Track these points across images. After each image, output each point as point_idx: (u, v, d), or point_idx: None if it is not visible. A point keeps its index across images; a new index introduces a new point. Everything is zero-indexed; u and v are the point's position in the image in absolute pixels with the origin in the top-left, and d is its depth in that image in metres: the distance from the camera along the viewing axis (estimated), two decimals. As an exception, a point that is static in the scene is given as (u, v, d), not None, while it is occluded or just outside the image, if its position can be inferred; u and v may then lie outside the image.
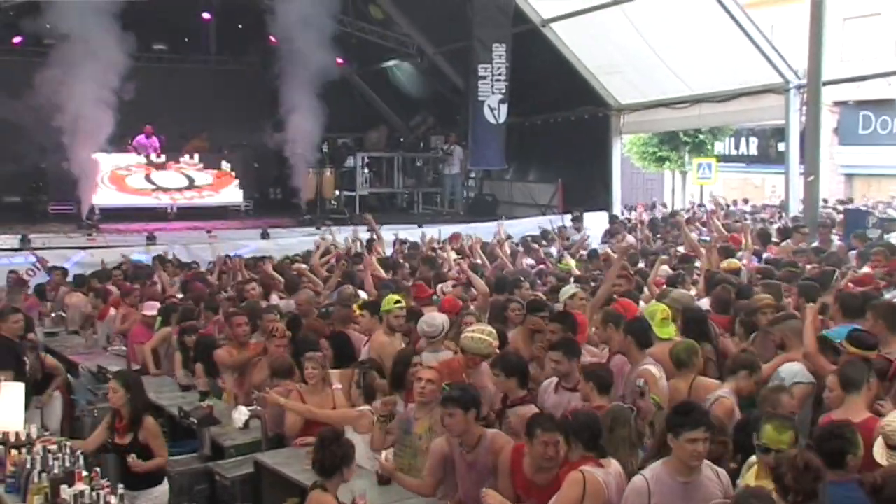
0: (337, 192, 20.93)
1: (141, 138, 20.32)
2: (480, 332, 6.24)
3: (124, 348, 9.73)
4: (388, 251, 13.44)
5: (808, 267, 8.89)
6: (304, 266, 11.57)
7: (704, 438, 4.21)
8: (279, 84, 18.33)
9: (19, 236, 15.66)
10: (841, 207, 17.79)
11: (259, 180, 21.29)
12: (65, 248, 15.34)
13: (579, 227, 15.89)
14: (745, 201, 22.72)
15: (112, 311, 10.60)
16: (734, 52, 15.40)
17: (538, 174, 21.37)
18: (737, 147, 27.03)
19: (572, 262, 10.84)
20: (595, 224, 16.55)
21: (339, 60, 22.40)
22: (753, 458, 4.42)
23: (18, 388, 6.02)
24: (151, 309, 9.50)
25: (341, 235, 15.03)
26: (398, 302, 7.44)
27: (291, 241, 16.06)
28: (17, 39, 19.73)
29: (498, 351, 6.16)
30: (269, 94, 18.54)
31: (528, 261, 11.88)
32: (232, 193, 20.68)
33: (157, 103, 20.64)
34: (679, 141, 22.78)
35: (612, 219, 17.14)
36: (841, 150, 24.55)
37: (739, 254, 10.06)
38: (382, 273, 10.32)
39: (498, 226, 14.52)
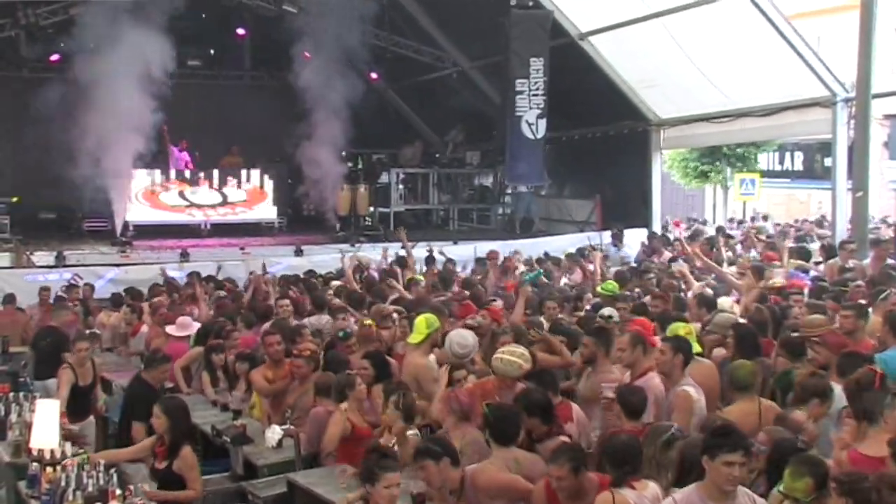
0: (371, 209, 21.05)
1: (174, 149, 20.58)
2: (511, 354, 6.22)
3: None
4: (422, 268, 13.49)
5: (852, 285, 8.79)
6: (337, 282, 11.59)
7: (742, 462, 4.13)
8: (313, 99, 18.56)
9: (55, 253, 15.91)
10: (889, 223, 17.48)
11: (293, 196, 21.51)
12: (99, 264, 15.56)
13: (619, 245, 15.81)
14: (765, 218, 22.29)
15: (144, 327, 10.68)
16: (778, 65, 15.19)
17: (576, 190, 21.42)
18: (781, 162, 26.78)
19: (615, 285, 10.56)
20: (634, 241, 16.51)
21: (374, 75, 22.85)
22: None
23: (53, 407, 6.11)
24: (181, 329, 9.53)
25: (376, 252, 15.37)
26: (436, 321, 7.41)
27: (325, 257, 16.15)
28: (54, 57, 20.07)
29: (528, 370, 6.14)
30: (303, 110, 18.63)
31: (565, 279, 11.90)
32: (265, 210, 20.88)
33: (191, 119, 21.02)
34: (721, 155, 22.60)
35: (652, 236, 17.07)
36: (891, 164, 24.24)
37: (779, 271, 9.94)
38: (406, 294, 10.49)
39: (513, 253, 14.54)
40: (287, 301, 10.20)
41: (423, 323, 7.29)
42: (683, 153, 22.98)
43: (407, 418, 5.97)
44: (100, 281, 14.32)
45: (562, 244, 16.48)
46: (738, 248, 14.23)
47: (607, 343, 6.63)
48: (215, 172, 20.63)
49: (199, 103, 22.22)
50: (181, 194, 20.19)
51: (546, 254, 15.00)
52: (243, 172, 20.82)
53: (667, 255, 13.84)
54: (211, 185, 20.47)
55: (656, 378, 6.12)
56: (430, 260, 13.93)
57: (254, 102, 22.67)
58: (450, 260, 13.80)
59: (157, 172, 19.97)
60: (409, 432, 5.83)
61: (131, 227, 18.89)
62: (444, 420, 5.81)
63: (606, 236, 16.70)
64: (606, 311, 7.96)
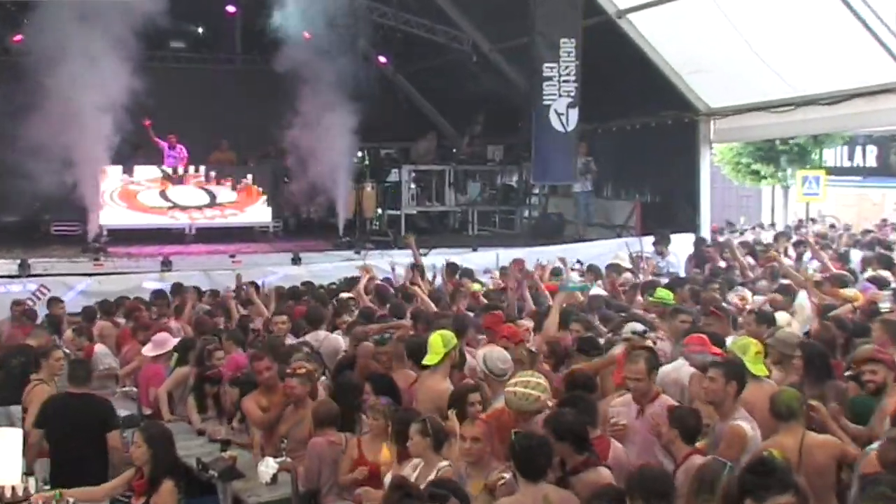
0: (379, 211, 21.09)
1: (165, 147, 20.55)
2: (524, 386, 6.09)
3: (135, 389, 9.82)
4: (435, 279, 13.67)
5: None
6: (347, 295, 11.83)
7: None
8: (313, 87, 18.53)
9: (18, 261, 15.96)
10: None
11: (290, 197, 21.47)
12: (68, 274, 15.58)
13: (663, 252, 15.64)
14: (813, 220, 22.27)
15: (98, 347, 10.70)
16: (848, 47, 14.96)
17: (612, 189, 21.40)
18: (851, 157, 26.58)
19: (669, 294, 10.44)
20: (680, 249, 16.31)
21: (382, 59, 22.91)
22: None
23: (15, 436, 6.10)
24: (157, 347, 9.63)
25: (384, 260, 15.65)
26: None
27: (327, 266, 16.28)
28: (18, 37, 20.01)
29: (550, 404, 6.09)
30: (301, 99, 18.65)
31: (601, 290, 11.90)
32: (259, 212, 20.89)
33: (174, 109, 20.88)
34: (777, 152, 22.46)
35: (700, 242, 16.93)
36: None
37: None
38: (432, 305, 10.54)
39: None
40: (284, 317, 10.26)
41: (439, 341, 7.27)
42: (736, 148, 22.85)
43: (437, 446, 5.84)
44: (69, 293, 14.38)
45: (596, 252, 16.49)
46: (806, 256, 14.25)
47: (655, 365, 6.59)
48: (202, 169, 20.60)
49: (182, 91, 22.18)
50: (163, 194, 20.15)
51: (581, 263, 15.08)
52: (236, 170, 20.90)
53: (722, 264, 13.89)
54: (198, 184, 20.49)
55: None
56: (452, 269, 13.86)
57: (245, 90, 22.66)
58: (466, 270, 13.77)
59: (140, 169, 20.00)
60: (442, 463, 5.77)
61: (105, 232, 18.91)
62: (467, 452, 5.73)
63: (647, 242, 16.64)
64: (634, 326, 7.84)
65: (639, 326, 7.85)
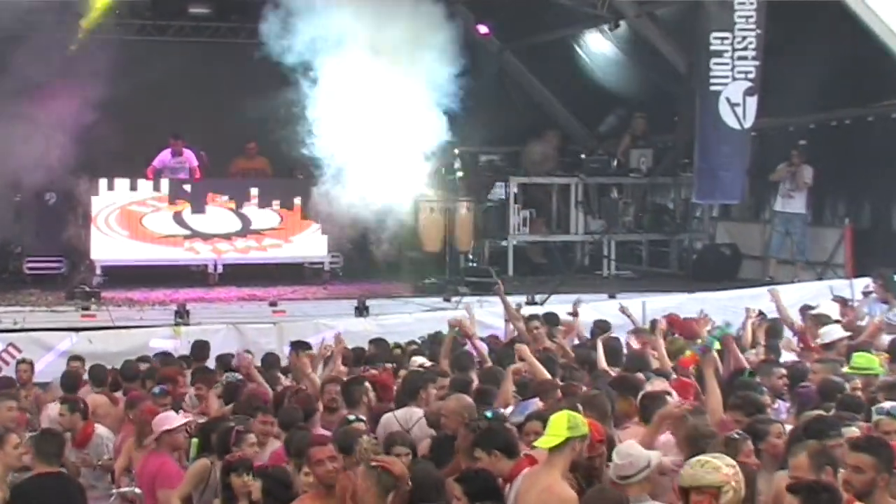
0: (477, 241, 20.88)
1: (164, 156, 20.55)
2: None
3: (137, 490, 9.71)
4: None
5: None
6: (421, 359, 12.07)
7: None
8: (383, 67, 18.26)
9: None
10: None
11: (352, 222, 20.37)
12: (47, 329, 15.69)
13: (889, 300, 15.35)
14: None
15: (99, 429, 10.80)
16: None
17: (812, 211, 20.55)
18: None
19: (875, 360, 10.55)
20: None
21: (483, 29, 22.82)
22: None
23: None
24: (164, 422, 9.64)
25: (483, 311, 15.77)
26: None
27: (405, 319, 16.38)
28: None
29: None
30: (363, 84, 18.34)
31: (790, 355, 12.09)
32: (309, 243, 20.66)
33: (183, 100, 21.24)
34: None
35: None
36: None
37: None
38: (545, 372, 10.65)
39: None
40: (336, 388, 10.41)
41: (563, 422, 7.41)
42: None
43: None
44: (48, 355, 14.61)
45: (791, 299, 15.78)
46: None
47: (889, 461, 6.69)
48: (225, 185, 20.59)
49: (193, 72, 22.29)
50: (178, 218, 19.93)
51: (763, 315, 14.40)
52: (270, 184, 20.87)
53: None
54: (226, 205, 20.38)
55: None
56: (602, 327, 14.00)
57: (280, 72, 21.70)
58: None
59: (144, 184, 19.93)
60: None
61: (99, 270, 18.93)
62: None
63: (861, 285, 16.60)
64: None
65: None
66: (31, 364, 13.33)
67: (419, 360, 12.05)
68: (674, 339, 12.43)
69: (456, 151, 21.34)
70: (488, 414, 8.69)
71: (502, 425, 8.24)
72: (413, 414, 9.89)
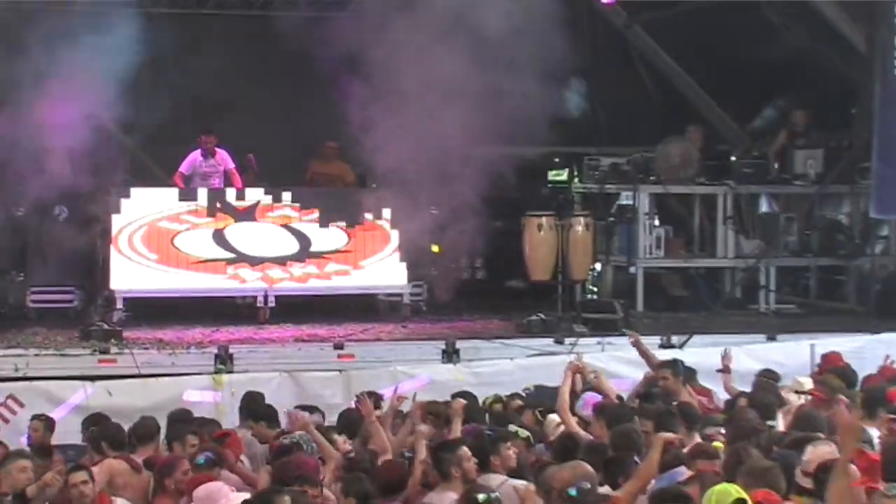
0: (598, 266, 20.30)
1: (194, 157, 19.54)
2: None
3: None
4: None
5: None
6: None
7: None
8: (479, 45, 17.40)
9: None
10: None
11: (439, 243, 20.12)
12: (57, 377, 15.52)
13: None
14: None
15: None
16: None
17: None
18: None
19: None
20: None
21: None
22: None
23: None
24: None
25: (604, 356, 15.98)
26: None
27: (504, 365, 16.26)
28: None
29: None
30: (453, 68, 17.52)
31: None
32: (384, 270, 19.66)
33: (222, 89, 20.72)
34: None
35: None
36: None
37: None
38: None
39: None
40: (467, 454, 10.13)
41: (714, 500, 7.60)
42: None
43: None
44: (59, 409, 14.41)
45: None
46: None
47: None
48: (285, 196, 19.22)
49: (236, 57, 21.51)
50: (219, 236, 18.84)
51: None
52: (335, 195, 20.26)
53: None
54: (279, 221, 19.34)
55: None
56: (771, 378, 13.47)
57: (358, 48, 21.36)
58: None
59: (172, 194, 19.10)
60: None
61: (120, 304, 18.29)
62: None
63: None
64: None
65: None
66: (48, 421, 12.87)
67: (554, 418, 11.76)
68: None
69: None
70: (572, 492, 8.52)
71: None
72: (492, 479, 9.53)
